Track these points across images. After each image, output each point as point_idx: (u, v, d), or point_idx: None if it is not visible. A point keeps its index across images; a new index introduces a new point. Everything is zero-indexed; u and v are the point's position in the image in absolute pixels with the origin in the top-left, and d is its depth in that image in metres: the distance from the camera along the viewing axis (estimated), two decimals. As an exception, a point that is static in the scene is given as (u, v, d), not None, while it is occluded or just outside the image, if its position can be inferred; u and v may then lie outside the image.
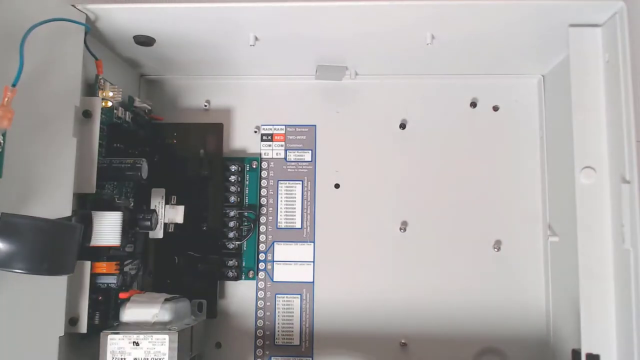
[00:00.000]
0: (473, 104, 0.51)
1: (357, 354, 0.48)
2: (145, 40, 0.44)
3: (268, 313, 0.49)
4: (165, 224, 0.47)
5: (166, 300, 0.40)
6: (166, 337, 0.37)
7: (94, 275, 0.39)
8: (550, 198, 0.48)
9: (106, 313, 0.41)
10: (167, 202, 0.48)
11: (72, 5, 0.38)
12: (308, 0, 0.39)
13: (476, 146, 0.50)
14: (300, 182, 0.51)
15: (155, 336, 0.37)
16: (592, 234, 0.37)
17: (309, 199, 0.51)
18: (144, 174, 0.41)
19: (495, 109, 0.51)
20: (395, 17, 0.40)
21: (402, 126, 0.51)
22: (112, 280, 0.40)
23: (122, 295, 0.40)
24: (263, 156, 0.51)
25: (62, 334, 0.37)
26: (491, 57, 0.47)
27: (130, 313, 0.39)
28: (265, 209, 0.51)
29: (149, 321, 0.39)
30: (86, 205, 0.40)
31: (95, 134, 0.40)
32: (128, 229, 0.43)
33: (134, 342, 0.37)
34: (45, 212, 0.34)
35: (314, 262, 0.50)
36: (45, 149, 0.36)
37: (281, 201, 0.51)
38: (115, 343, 0.37)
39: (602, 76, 0.38)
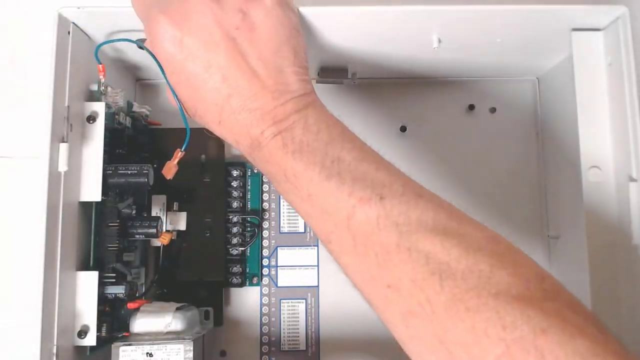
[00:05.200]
0: (471, 107, 0.51)
1: (364, 357, 0.48)
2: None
3: (273, 319, 0.49)
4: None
5: (177, 309, 0.39)
6: (181, 346, 0.36)
7: (101, 286, 0.38)
8: (549, 198, 0.50)
9: (113, 324, 0.40)
10: (168, 209, 0.47)
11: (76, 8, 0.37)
12: (312, 5, 0.38)
13: (475, 148, 0.51)
14: (303, 186, 0.51)
15: (169, 346, 0.36)
16: (601, 232, 0.38)
17: (311, 202, 0.50)
18: (151, 181, 0.40)
19: (492, 111, 0.52)
20: (401, 22, 0.40)
21: (403, 129, 0.51)
22: (119, 290, 0.39)
23: (130, 306, 0.39)
24: (264, 160, 0.51)
25: (71, 347, 0.35)
26: (490, 61, 0.48)
27: (141, 323, 0.38)
28: (267, 213, 0.50)
29: (161, 331, 0.38)
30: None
31: (100, 140, 0.39)
32: (129, 237, 0.42)
33: (147, 353, 0.36)
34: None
35: (318, 265, 0.50)
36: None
37: (284, 205, 0.50)
38: (127, 355, 0.36)
39: (605, 78, 0.39)
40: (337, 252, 0.29)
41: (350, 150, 0.30)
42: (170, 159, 0.40)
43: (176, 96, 0.33)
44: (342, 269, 0.30)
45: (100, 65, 0.39)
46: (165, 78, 0.33)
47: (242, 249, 0.48)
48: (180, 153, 0.37)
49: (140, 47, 0.36)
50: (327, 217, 0.29)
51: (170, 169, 0.37)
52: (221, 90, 0.31)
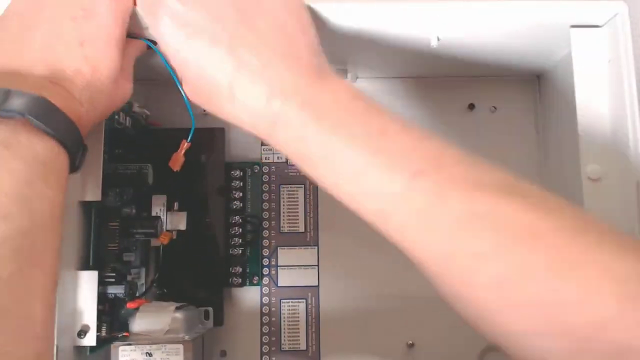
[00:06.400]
0: (471, 106, 0.51)
1: (364, 356, 0.48)
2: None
3: (273, 319, 0.49)
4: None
5: (177, 308, 0.39)
6: (180, 346, 0.37)
7: (101, 285, 0.38)
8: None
9: (113, 324, 0.40)
10: (168, 209, 0.47)
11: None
12: (311, 2, 0.38)
13: (475, 147, 0.49)
14: (303, 185, 0.51)
15: (169, 346, 0.37)
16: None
17: (311, 202, 0.50)
18: (150, 180, 0.41)
19: (493, 110, 0.51)
20: (398, 19, 0.40)
21: (403, 128, 0.51)
22: (119, 290, 0.39)
23: (130, 305, 0.39)
24: (264, 160, 0.51)
25: (71, 347, 0.35)
26: (490, 59, 0.48)
27: (141, 323, 0.38)
28: (267, 213, 0.50)
29: (161, 330, 0.38)
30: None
31: (100, 140, 0.39)
32: (129, 236, 0.42)
33: (146, 352, 0.36)
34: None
35: (318, 265, 0.50)
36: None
37: (283, 205, 0.50)
38: (127, 355, 0.36)
39: (605, 76, 0.39)
40: (399, 231, 0.27)
41: (390, 121, 0.28)
42: (169, 160, 0.40)
43: (177, 81, 0.33)
44: (405, 249, 0.27)
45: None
46: (168, 66, 0.33)
47: (242, 249, 0.48)
48: (186, 144, 0.37)
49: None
50: (379, 196, 0.26)
51: (177, 160, 0.37)
52: (229, 63, 0.29)
